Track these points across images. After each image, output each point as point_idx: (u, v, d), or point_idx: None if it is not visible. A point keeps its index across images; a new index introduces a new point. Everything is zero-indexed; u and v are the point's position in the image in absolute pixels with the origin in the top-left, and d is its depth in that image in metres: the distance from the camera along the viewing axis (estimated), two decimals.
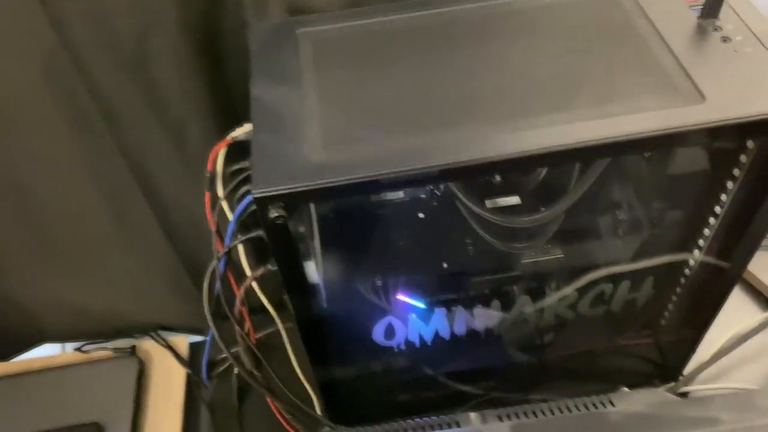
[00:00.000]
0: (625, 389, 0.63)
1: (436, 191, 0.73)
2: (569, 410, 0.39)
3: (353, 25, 0.62)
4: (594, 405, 0.43)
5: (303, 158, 0.51)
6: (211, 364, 0.94)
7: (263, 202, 0.50)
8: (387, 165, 0.50)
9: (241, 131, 0.68)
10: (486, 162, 0.50)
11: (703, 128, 0.51)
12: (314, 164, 0.51)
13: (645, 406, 0.36)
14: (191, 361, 0.97)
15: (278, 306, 0.83)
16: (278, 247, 0.54)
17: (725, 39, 0.56)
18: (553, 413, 0.38)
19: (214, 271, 0.75)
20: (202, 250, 0.88)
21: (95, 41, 0.63)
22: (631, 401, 0.42)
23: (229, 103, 0.73)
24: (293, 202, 0.51)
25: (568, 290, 0.69)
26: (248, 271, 0.77)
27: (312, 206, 0.62)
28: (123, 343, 0.98)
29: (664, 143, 0.53)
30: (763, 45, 0.56)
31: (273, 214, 0.50)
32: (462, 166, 0.50)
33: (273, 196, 0.50)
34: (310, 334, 0.65)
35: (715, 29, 0.57)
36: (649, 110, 0.52)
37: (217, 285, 0.75)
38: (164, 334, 1.02)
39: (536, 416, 0.42)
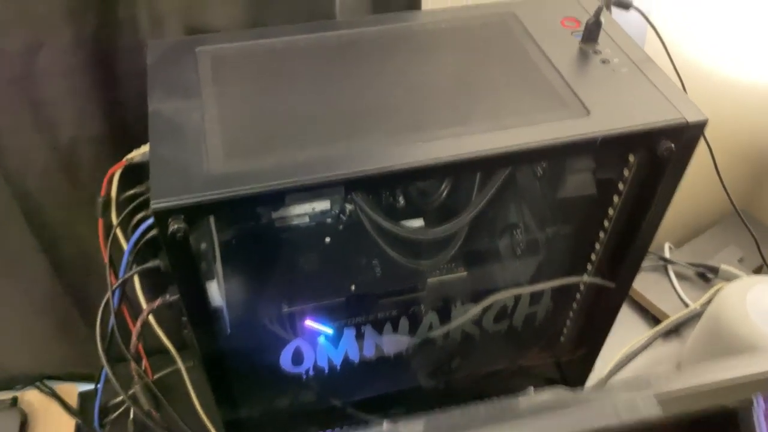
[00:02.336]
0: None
1: (341, 215, 0.74)
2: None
3: (254, 44, 0.62)
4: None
5: (204, 170, 0.50)
6: (104, 411, 0.87)
7: (163, 215, 0.48)
8: (289, 175, 0.49)
9: (138, 153, 0.65)
10: (388, 172, 0.51)
11: (590, 138, 0.54)
12: (216, 175, 0.50)
13: (549, 395, 0.37)
14: (81, 409, 0.90)
15: (178, 345, 0.79)
16: (179, 265, 0.52)
17: (604, 61, 0.61)
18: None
19: (107, 305, 0.71)
20: (93, 285, 0.82)
21: None
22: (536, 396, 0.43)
23: (125, 126, 0.70)
24: (195, 214, 0.49)
25: (472, 306, 0.70)
26: (144, 304, 0.73)
27: (214, 226, 0.60)
28: (3, 395, 0.90)
29: (555, 153, 0.56)
30: (637, 67, 0.61)
31: (173, 227, 0.48)
32: (364, 176, 0.50)
33: (173, 208, 0.48)
34: (212, 362, 0.62)
35: (595, 52, 0.62)
36: (541, 123, 0.55)
37: (112, 319, 0.71)
38: (51, 383, 0.95)
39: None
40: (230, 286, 0.62)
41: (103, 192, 0.68)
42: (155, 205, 0.47)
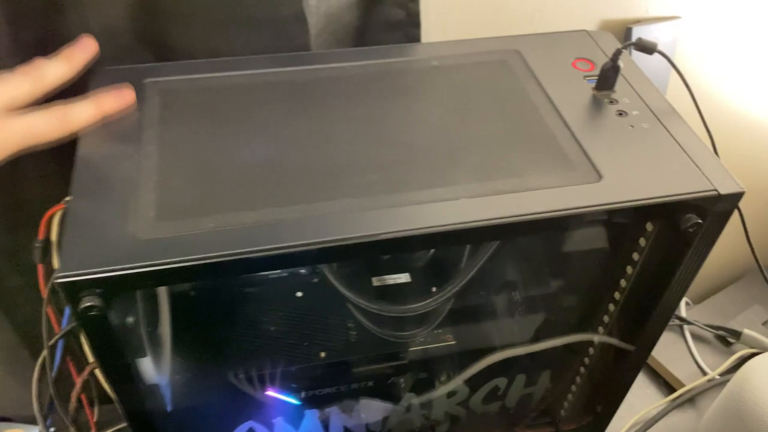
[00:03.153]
0: None
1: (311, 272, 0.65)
2: None
3: (213, 77, 0.53)
4: None
5: (128, 234, 0.41)
6: None
7: (71, 289, 0.39)
8: (230, 245, 0.40)
9: None
10: (350, 244, 0.42)
11: (601, 210, 0.45)
12: (141, 241, 0.41)
13: None
14: None
15: None
16: (96, 344, 0.43)
17: (621, 113, 0.52)
18: None
19: (44, 362, 0.63)
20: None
21: None
22: None
23: (71, 159, 0.62)
24: (112, 288, 0.40)
25: (460, 384, 0.61)
26: (91, 358, 0.65)
27: (153, 290, 0.52)
28: None
29: (558, 225, 0.47)
30: (659, 121, 0.51)
31: (86, 303, 0.39)
32: (319, 248, 0.41)
33: (84, 281, 0.39)
34: None
35: (611, 102, 0.53)
36: (542, 188, 0.46)
37: (51, 378, 0.62)
38: (3, 426, 0.87)
39: None
40: (170, 360, 0.53)
41: (41, 235, 0.60)
42: (62, 278, 0.39)
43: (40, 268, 0.62)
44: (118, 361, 0.45)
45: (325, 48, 0.59)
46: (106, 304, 0.40)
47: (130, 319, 0.47)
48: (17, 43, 0.55)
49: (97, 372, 0.67)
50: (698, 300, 1.01)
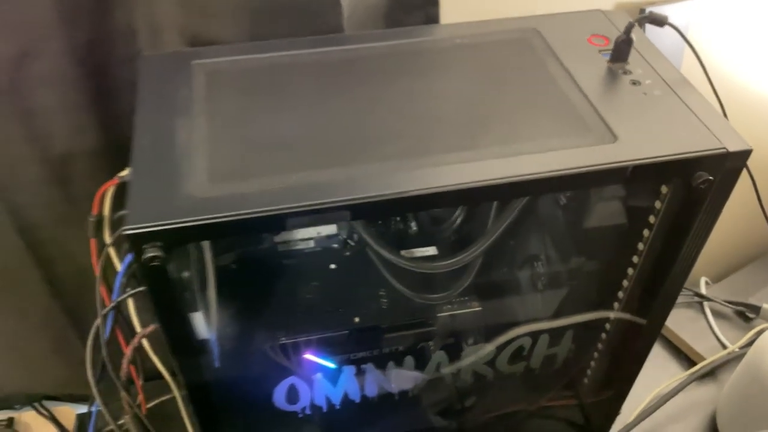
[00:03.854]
0: None
1: (348, 240, 0.69)
2: None
3: (254, 59, 0.58)
4: None
5: (185, 193, 0.46)
6: None
7: (137, 241, 0.44)
8: (276, 201, 0.45)
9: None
10: (386, 199, 0.46)
11: (616, 167, 0.48)
12: (198, 199, 0.45)
13: None
14: None
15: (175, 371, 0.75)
16: (156, 294, 0.47)
17: (635, 82, 0.55)
18: None
19: (98, 330, 0.68)
20: (90, 304, 0.78)
21: None
22: None
23: (121, 140, 0.66)
24: (172, 240, 0.44)
25: (486, 345, 0.64)
26: (138, 328, 0.70)
27: (205, 250, 0.56)
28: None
29: (576, 183, 0.50)
30: (671, 89, 0.55)
31: (149, 254, 0.44)
32: (358, 203, 0.45)
33: (148, 233, 0.43)
34: (200, 396, 0.57)
35: (625, 73, 0.56)
36: (561, 149, 0.49)
37: (103, 345, 0.67)
38: (49, 404, 0.92)
39: None
40: (220, 317, 0.57)
41: (94, 210, 0.64)
42: (129, 230, 0.43)
43: (93, 243, 0.67)
44: (174, 313, 0.49)
45: (356, 29, 0.64)
46: (167, 255, 0.44)
47: (185, 274, 0.52)
48: (71, 42, 0.59)
49: (147, 343, 0.72)
50: (717, 279, 1.03)
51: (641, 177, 0.50)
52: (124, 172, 0.62)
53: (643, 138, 0.50)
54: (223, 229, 0.45)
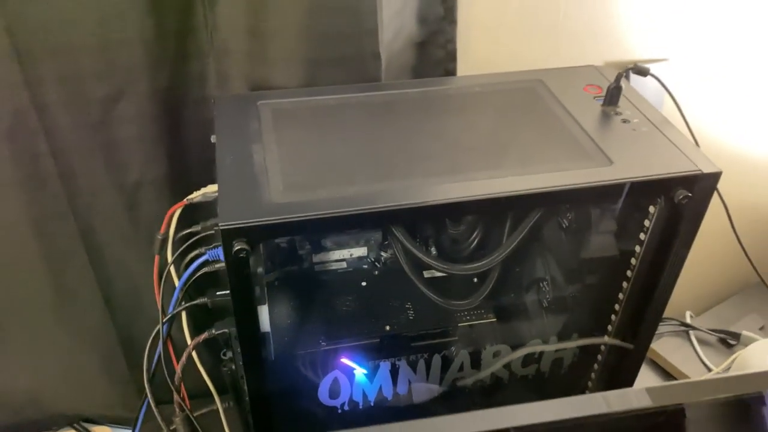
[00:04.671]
0: None
1: (377, 262, 0.79)
2: None
3: (310, 100, 0.70)
4: None
5: (265, 199, 0.56)
6: None
7: (229, 235, 0.54)
8: (339, 206, 0.55)
9: (198, 194, 0.72)
10: (426, 205, 0.57)
11: (613, 184, 0.60)
12: (276, 204, 0.56)
13: None
14: None
15: (217, 386, 0.83)
16: (238, 284, 0.57)
17: (625, 121, 0.68)
18: None
19: (157, 334, 0.76)
20: (139, 324, 0.86)
21: (64, 102, 0.68)
22: None
23: (185, 170, 0.77)
24: (257, 236, 0.54)
25: (502, 348, 0.74)
26: (189, 340, 0.78)
27: (266, 259, 0.66)
28: None
29: (582, 196, 0.61)
30: (655, 126, 0.67)
31: (237, 246, 0.54)
32: (404, 208, 0.56)
33: (238, 228, 0.53)
34: (256, 387, 0.65)
35: (616, 114, 0.69)
36: (568, 170, 0.61)
37: (159, 347, 0.75)
38: (87, 425, 0.97)
39: None
40: (276, 315, 0.66)
41: (162, 229, 0.74)
42: (223, 226, 0.53)
43: (156, 259, 0.76)
44: (248, 302, 0.59)
45: (391, 79, 0.76)
46: (250, 249, 0.54)
47: (259, 270, 0.61)
48: (153, 86, 0.71)
49: (195, 356, 0.80)
50: (700, 313, 1.13)
51: (633, 193, 0.61)
52: (192, 195, 0.72)
53: (634, 162, 0.62)
54: (297, 228, 0.55)
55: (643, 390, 0.40)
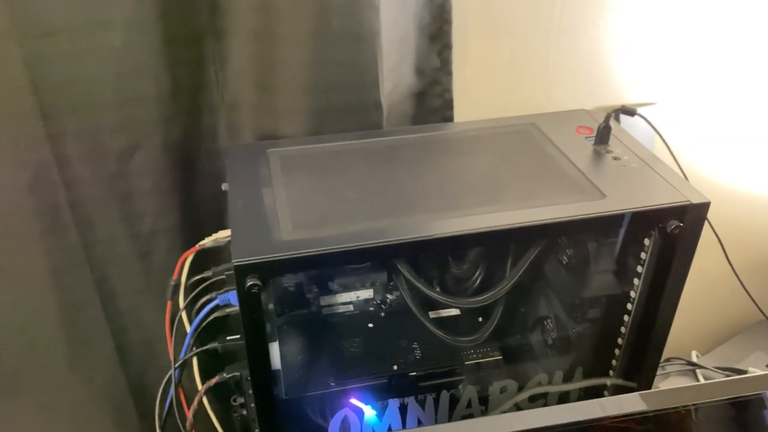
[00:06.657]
0: None
1: (383, 304, 0.81)
2: None
3: (316, 147, 0.73)
4: None
5: (276, 237, 0.59)
6: None
7: (242, 271, 0.56)
8: (346, 241, 0.58)
9: (209, 240, 0.75)
10: (431, 239, 0.59)
11: (606, 216, 0.62)
12: (286, 241, 0.58)
13: None
14: None
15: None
16: (250, 318, 0.59)
17: (616, 158, 0.71)
18: None
19: (169, 380, 0.77)
20: (151, 374, 0.88)
21: (84, 155, 0.71)
22: None
23: (197, 220, 0.80)
24: (268, 271, 0.57)
25: (509, 384, 0.75)
26: (200, 385, 0.79)
27: (275, 300, 0.68)
28: None
29: (577, 228, 0.64)
30: (645, 163, 0.70)
31: (249, 282, 0.56)
32: (408, 242, 0.59)
33: (251, 264, 0.56)
34: (268, 428, 0.66)
35: (607, 152, 0.72)
36: (563, 203, 0.64)
37: (172, 390, 0.77)
38: None
39: None
40: (286, 355, 0.68)
41: (175, 275, 0.76)
42: (236, 262, 0.56)
43: (169, 305, 0.78)
44: (259, 338, 0.61)
45: (392, 126, 0.80)
46: (262, 284, 0.57)
47: (270, 306, 0.63)
48: (167, 139, 0.75)
49: (205, 402, 0.81)
50: (706, 352, 1.14)
51: (626, 225, 0.64)
52: (204, 241, 0.75)
53: (626, 195, 0.65)
54: (306, 263, 0.58)
55: (636, 395, 0.41)
